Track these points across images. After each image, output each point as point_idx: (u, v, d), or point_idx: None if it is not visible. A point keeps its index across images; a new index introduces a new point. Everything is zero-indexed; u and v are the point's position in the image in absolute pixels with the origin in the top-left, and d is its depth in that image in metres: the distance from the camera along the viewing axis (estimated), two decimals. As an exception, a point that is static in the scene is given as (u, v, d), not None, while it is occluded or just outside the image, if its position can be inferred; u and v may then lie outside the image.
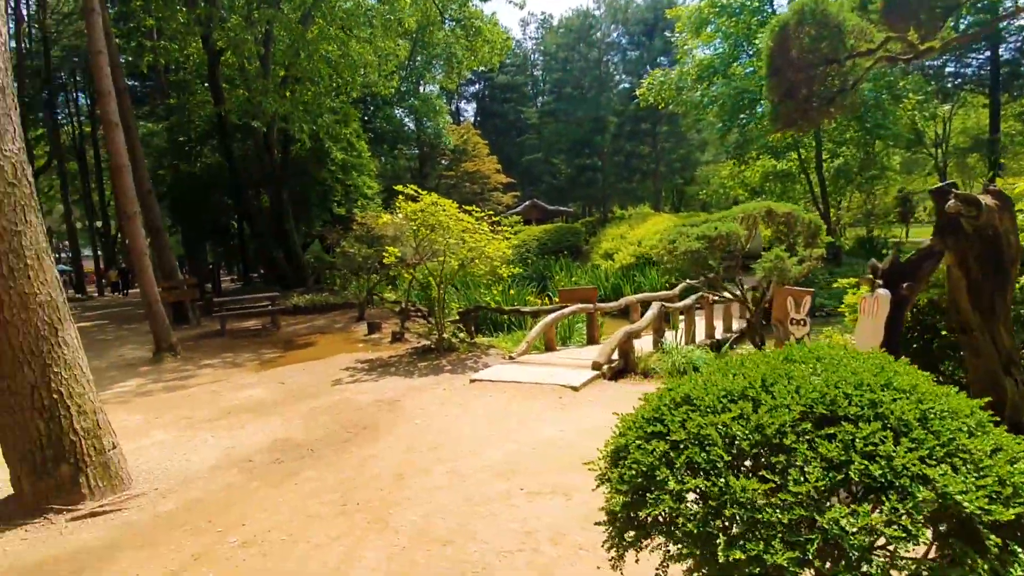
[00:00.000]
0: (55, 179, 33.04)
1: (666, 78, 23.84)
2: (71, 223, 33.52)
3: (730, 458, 1.65)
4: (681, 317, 10.55)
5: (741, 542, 1.52)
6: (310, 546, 3.56)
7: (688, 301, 10.04)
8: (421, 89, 38.53)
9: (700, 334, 10.60)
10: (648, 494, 1.79)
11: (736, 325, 12.65)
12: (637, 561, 2.01)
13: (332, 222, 24.57)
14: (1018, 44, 25.40)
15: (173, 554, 3.59)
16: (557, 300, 12.04)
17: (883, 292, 4.09)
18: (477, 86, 57.10)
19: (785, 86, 5.10)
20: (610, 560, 2.08)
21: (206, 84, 22.32)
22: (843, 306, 6.63)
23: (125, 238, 41.61)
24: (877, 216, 28.92)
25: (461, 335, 10.73)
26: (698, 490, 1.70)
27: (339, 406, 6.79)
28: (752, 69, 23.13)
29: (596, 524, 2.23)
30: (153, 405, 7.45)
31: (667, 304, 9.08)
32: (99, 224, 36.40)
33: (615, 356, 7.38)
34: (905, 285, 4.05)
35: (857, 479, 1.52)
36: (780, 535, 1.49)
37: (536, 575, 3.15)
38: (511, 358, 8.19)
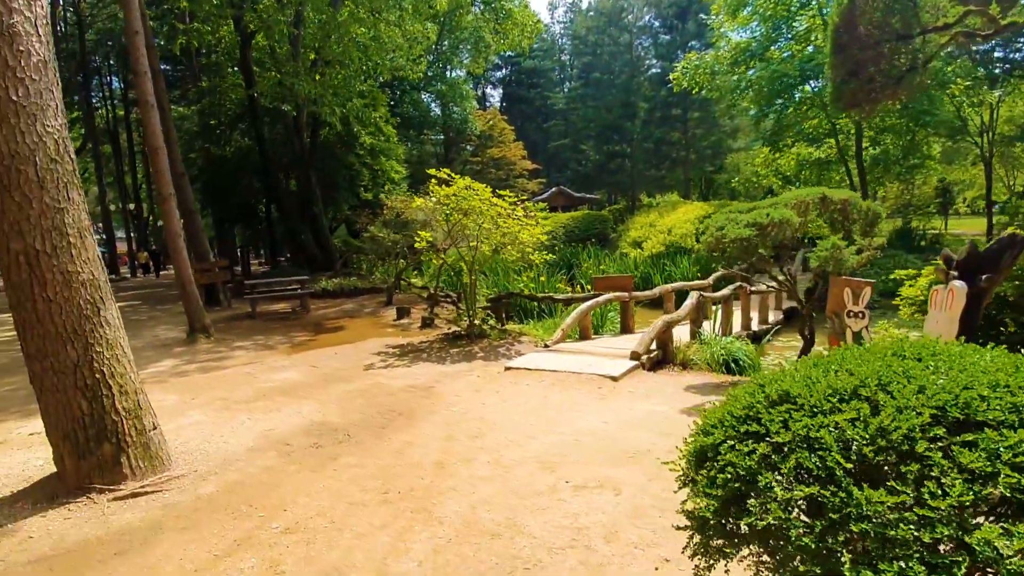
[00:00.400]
0: (90, 161, 33.63)
1: (701, 62, 23.23)
2: (105, 205, 34.17)
3: (851, 465, 1.47)
4: (713, 307, 10.31)
5: (872, 560, 1.34)
6: (354, 535, 3.47)
7: (725, 292, 9.78)
8: (448, 74, 38.32)
9: (736, 325, 10.34)
10: (748, 501, 1.62)
11: (772, 317, 12.34)
12: (728, 572, 1.85)
13: (359, 206, 24.62)
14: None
15: (216, 538, 3.53)
16: (590, 288, 11.84)
17: (959, 284, 3.83)
18: (504, 71, 56.59)
19: (850, 64, 4.80)
20: (695, 570, 1.91)
21: (237, 67, 22.41)
22: (898, 299, 6.34)
23: (160, 220, 42.43)
24: (916, 207, 27.98)
25: (491, 322, 10.61)
26: (810, 499, 1.53)
27: (372, 391, 6.72)
28: (790, 53, 22.46)
29: (677, 528, 2.06)
30: (189, 386, 7.47)
31: (704, 294, 8.83)
32: (131, 206, 37.06)
33: (654, 346, 7.18)
34: (984, 277, 3.79)
35: (1008, 494, 1.33)
36: (918, 555, 1.32)
37: (590, 574, 3.01)
38: (546, 346, 8.04)
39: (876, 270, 15.37)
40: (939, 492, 1.37)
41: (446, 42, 35.71)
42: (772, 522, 1.52)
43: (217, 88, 22.70)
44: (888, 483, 1.43)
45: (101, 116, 36.27)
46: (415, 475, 4.30)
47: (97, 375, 4.26)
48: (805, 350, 6.29)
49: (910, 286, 5.92)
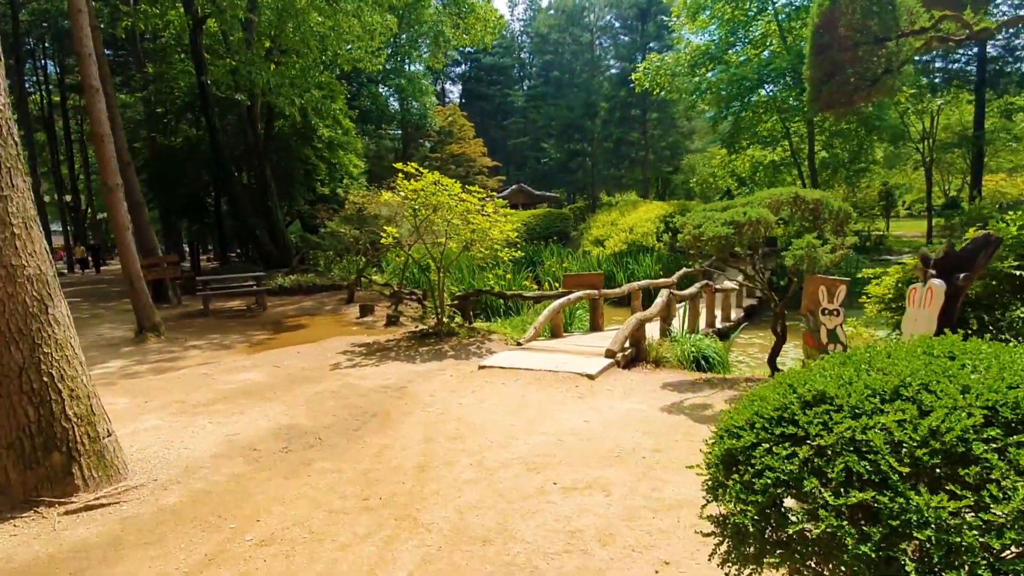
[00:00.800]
0: (23, 150, 31.58)
1: (662, 63, 23.58)
2: (39, 196, 32.20)
3: (908, 469, 1.41)
4: (678, 305, 10.43)
5: (936, 569, 1.29)
6: (336, 546, 3.28)
7: (692, 290, 9.90)
8: (407, 68, 37.75)
9: (701, 323, 10.49)
10: (786, 506, 1.55)
11: (734, 314, 12.59)
12: (761, 579, 1.78)
13: (316, 201, 23.96)
14: (1005, 41, 25.65)
15: (183, 554, 3.28)
16: (557, 285, 11.81)
17: (938, 283, 3.92)
18: (463, 67, 56.26)
19: (829, 65, 4.87)
20: (727, 578, 1.83)
21: (186, 54, 21.41)
22: (864, 297, 6.51)
23: (99, 213, 40.26)
24: (861, 209, 29.21)
25: (458, 319, 10.44)
26: (860, 506, 1.47)
27: (343, 391, 6.48)
28: (746, 57, 23.04)
29: (703, 535, 1.98)
30: (141, 388, 7.04)
31: (674, 292, 8.91)
32: (68, 198, 35.08)
33: (627, 344, 7.18)
34: (962, 276, 3.88)
35: (1074, 497, 1.29)
36: (985, 561, 1.27)
37: (589, 579, 2.92)
38: (519, 344, 7.94)
39: (832, 270, 15.93)
40: (1000, 496, 1.32)
41: (404, 35, 35.14)
42: (825, 530, 1.45)
43: (165, 75, 21.65)
44: (947, 487, 1.38)
45: (35, 102, 34.17)
46: (396, 480, 4.12)
47: (45, 378, 3.92)
48: (777, 347, 6.39)
49: (876, 284, 6.08)
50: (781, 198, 6.03)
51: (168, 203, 24.00)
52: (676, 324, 9.14)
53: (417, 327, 10.26)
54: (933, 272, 4.00)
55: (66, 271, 30.90)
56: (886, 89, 5.40)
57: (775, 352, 6.43)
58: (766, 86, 22.16)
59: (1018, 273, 4.40)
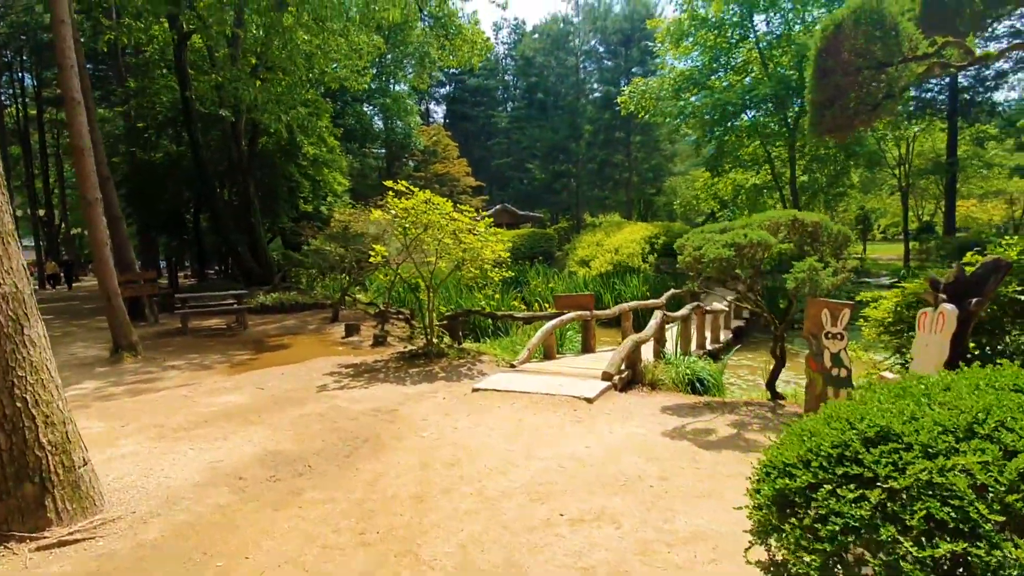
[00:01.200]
0: (-3, 163, 30.79)
1: (647, 87, 23.89)
2: (12, 210, 31.31)
3: (1002, 518, 1.29)
4: (669, 326, 10.36)
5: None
6: (333, 585, 3.06)
7: (684, 311, 9.85)
8: (392, 88, 37.90)
9: (691, 344, 10.42)
10: (871, 558, 1.41)
11: (723, 336, 12.58)
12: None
13: (300, 218, 23.69)
14: (975, 72, 26.53)
15: (166, 595, 3.03)
16: (547, 306, 11.68)
17: (949, 308, 3.86)
18: (448, 88, 56.65)
19: (831, 90, 4.88)
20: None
21: (168, 69, 21.16)
22: (862, 320, 6.48)
23: (73, 228, 39.30)
24: (840, 232, 29.69)
25: (447, 340, 10.25)
26: (952, 558, 1.33)
27: (331, 415, 6.23)
28: (728, 83, 23.46)
29: (728, 565, 1.83)
30: (117, 411, 6.70)
31: (668, 314, 8.84)
32: (42, 212, 34.25)
33: (623, 366, 7.05)
34: (974, 301, 3.84)
35: None
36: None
37: (607, 622, 2.74)
38: (512, 366, 7.76)
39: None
40: (1107, 548, 1.20)
41: (390, 56, 35.32)
42: (910, 585, 1.32)
43: (147, 89, 21.34)
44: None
45: (11, 115, 33.47)
46: (393, 511, 3.90)
47: (18, 403, 3.65)
48: (776, 370, 6.31)
49: (874, 308, 6.06)
50: (779, 220, 6.00)
51: (147, 218, 23.51)
52: (669, 346, 9.05)
53: (405, 347, 10.03)
54: (943, 297, 3.95)
55: (37, 287, 30.01)
56: (886, 113, 5.45)
57: (774, 376, 6.35)
58: (748, 111, 22.57)
59: (1023, 298, 4.39)
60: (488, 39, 26.24)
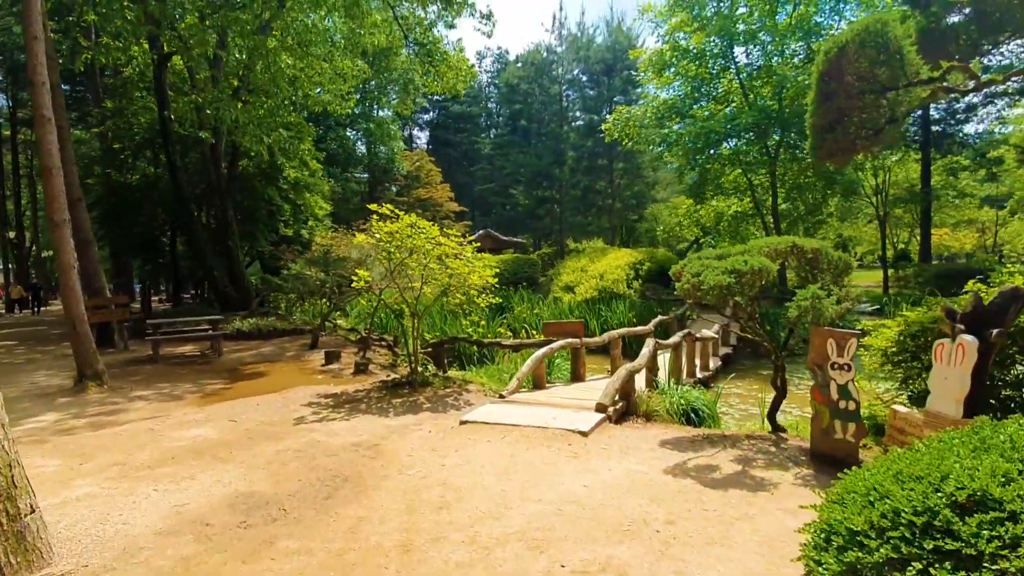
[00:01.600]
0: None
1: (631, 115, 24.13)
2: (-21, 232, 30.46)
3: None
4: (659, 353, 10.14)
5: None
6: (310, 655, 2.69)
7: (676, 339, 9.65)
8: (375, 113, 38.04)
9: (681, 372, 10.20)
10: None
11: (712, 363, 12.39)
12: None
13: (279, 242, 23.25)
14: (947, 104, 27.29)
15: (115, 670, 2.63)
16: (535, 333, 11.40)
17: (969, 339, 3.67)
18: (431, 114, 57.03)
19: (834, 113, 4.77)
20: None
21: (147, 91, 20.81)
22: (862, 350, 6.31)
23: (43, 251, 38.24)
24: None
25: (432, 368, 9.90)
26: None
27: (309, 451, 5.83)
28: (710, 113, 23.79)
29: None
30: (76, 446, 6.22)
31: (660, 342, 8.61)
32: (12, 235, 33.26)
33: (617, 397, 6.77)
34: (995, 332, 3.66)
35: None
36: None
37: None
38: (501, 396, 7.43)
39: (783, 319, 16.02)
40: None
41: (374, 82, 35.44)
42: None
43: (124, 110, 20.92)
44: None
45: (-17, 135, 32.73)
46: (377, 563, 3.54)
47: (-45, 445, 3.25)
48: (777, 402, 6.09)
49: (876, 336, 5.89)
50: (779, 247, 5.85)
51: (121, 241, 22.86)
52: (661, 374, 8.80)
53: (388, 376, 9.65)
54: (961, 327, 3.76)
55: (3, 312, 28.96)
56: (888, 139, 5.37)
57: (775, 407, 6.12)
58: (730, 140, 22.86)
59: None
60: (472, 66, 26.37)
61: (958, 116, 27.21)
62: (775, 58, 21.67)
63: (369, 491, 4.71)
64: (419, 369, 9.00)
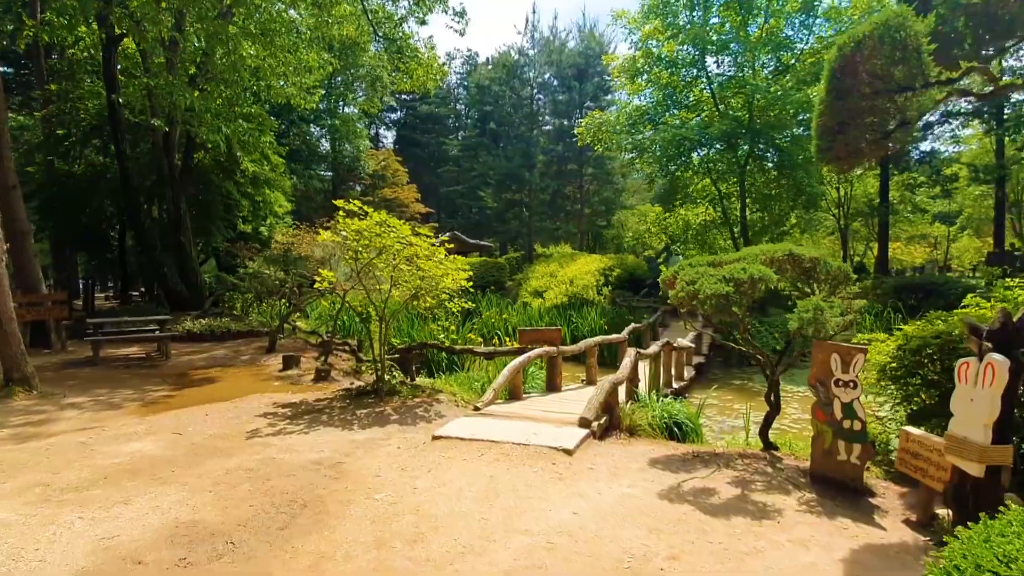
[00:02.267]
0: None
1: (603, 120, 24.00)
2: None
3: None
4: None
5: None
6: None
7: (655, 348, 9.34)
8: (341, 110, 37.18)
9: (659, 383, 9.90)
10: None
11: (687, 373, 12.16)
12: None
13: (236, 239, 22.20)
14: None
15: None
16: (509, 340, 10.95)
17: (999, 358, 3.38)
18: (399, 114, 56.14)
19: (847, 113, 4.49)
20: None
21: (95, 75, 19.53)
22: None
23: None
24: (782, 270, 30.51)
25: (399, 375, 9.34)
26: None
27: (263, 470, 5.22)
28: (680, 121, 23.83)
29: None
30: (-9, 463, 5.46)
31: (641, 352, 8.27)
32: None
33: (601, 411, 6.37)
34: (1027, 351, 3.38)
35: None
36: None
37: None
38: (476, 409, 6.94)
39: (767, 328, 15.99)
40: None
41: (340, 78, 34.55)
42: None
43: (69, 94, 19.58)
44: None
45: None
46: (342, 613, 3.02)
47: None
48: (769, 418, 5.78)
49: (872, 351, 5.63)
50: (775, 255, 5.55)
51: (63, 234, 21.43)
52: (641, 385, 8.46)
53: (352, 383, 9.05)
54: (989, 346, 3.47)
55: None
56: (897, 143, 5.15)
57: (767, 424, 5.82)
58: (700, 149, 22.92)
59: None
60: (443, 64, 25.86)
61: (915, 134, 28.03)
62: (746, 69, 21.82)
63: (331, 520, 4.16)
64: (386, 376, 8.42)
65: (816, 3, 20.98)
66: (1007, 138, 24.99)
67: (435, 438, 5.96)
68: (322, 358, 10.50)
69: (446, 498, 4.50)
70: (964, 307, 5.33)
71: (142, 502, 4.50)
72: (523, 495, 4.54)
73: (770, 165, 22.70)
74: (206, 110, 15.14)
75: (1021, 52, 19.15)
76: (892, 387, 5.36)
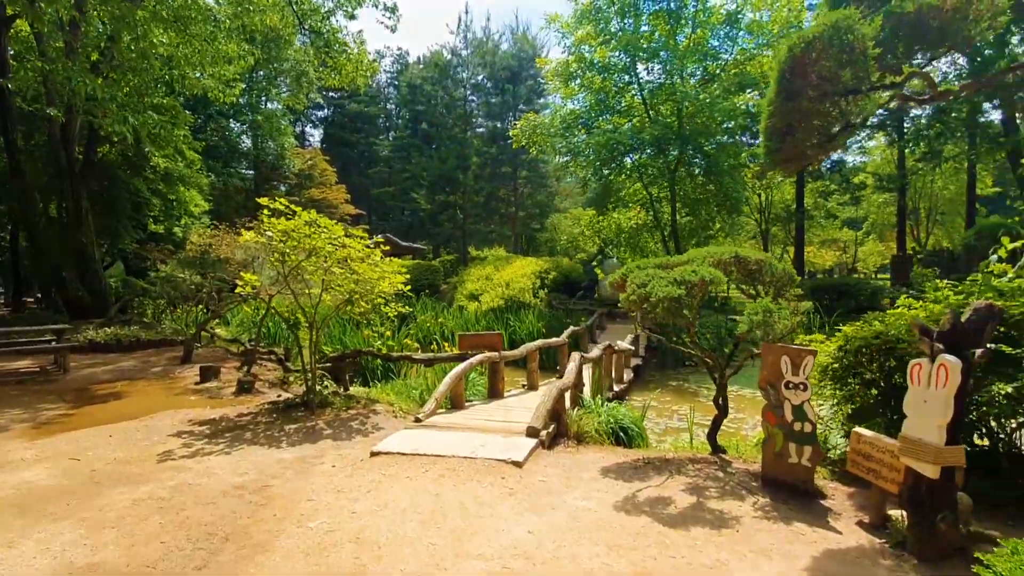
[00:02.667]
0: None
1: (539, 122, 24.03)
2: None
3: None
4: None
5: None
6: None
7: (597, 352, 9.25)
8: (263, 105, 35.59)
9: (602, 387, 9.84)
10: None
11: (626, 375, 12.19)
12: None
13: (147, 240, 20.61)
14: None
15: None
16: (447, 345, 10.58)
17: (951, 359, 3.40)
18: (326, 111, 54.39)
19: (796, 115, 4.48)
20: None
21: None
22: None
23: None
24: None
25: (331, 385, 8.78)
26: None
27: (177, 498, 4.63)
28: (613, 126, 24.24)
29: None
30: None
31: (585, 356, 8.14)
32: None
33: (549, 419, 6.14)
34: (979, 352, 3.41)
35: None
36: None
37: None
38: (417, 420, 6.53)
39: (700, 329, 16.41)
40: None
41: (262, 72, 32.98)
42: None
43: (-49, 79, 17.48)
44: None
45: None
46: (273, 671, 2.60)
47: None
48: (717, 422, 5.74)
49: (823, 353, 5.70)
50: (722, 257, 5.51)
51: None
52: (585, 390, 8.32)
53: (279, 395, 8.42)
54: (940, 347, 3.49)
55: None
56: (839, 146, 5.22)
57: (715, 427, 5.78)
58: (631, 154, 23.37)
59: (1009, 350, 4.09)
60: (374, 61, 25.11)
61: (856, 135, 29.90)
62: (675, 77, 22.43)
63: (258, 555, 3.69)
64: (317, 387, 7.87)
65: (739, 16, 21.87)
66: (907, 150, 27.00)
67: (374, 454, 5.53)
68: (245, 368, 9.74)
69: (389, 522, 4.12)
70: (896, 307, 5.46)
71: (29, 544, 3.85)
72: (473, 514, 4.22)
73: (698, 171, 23.43)
74: (111, 99, 13.84)
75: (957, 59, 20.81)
76: (832, 387, 5.42)
